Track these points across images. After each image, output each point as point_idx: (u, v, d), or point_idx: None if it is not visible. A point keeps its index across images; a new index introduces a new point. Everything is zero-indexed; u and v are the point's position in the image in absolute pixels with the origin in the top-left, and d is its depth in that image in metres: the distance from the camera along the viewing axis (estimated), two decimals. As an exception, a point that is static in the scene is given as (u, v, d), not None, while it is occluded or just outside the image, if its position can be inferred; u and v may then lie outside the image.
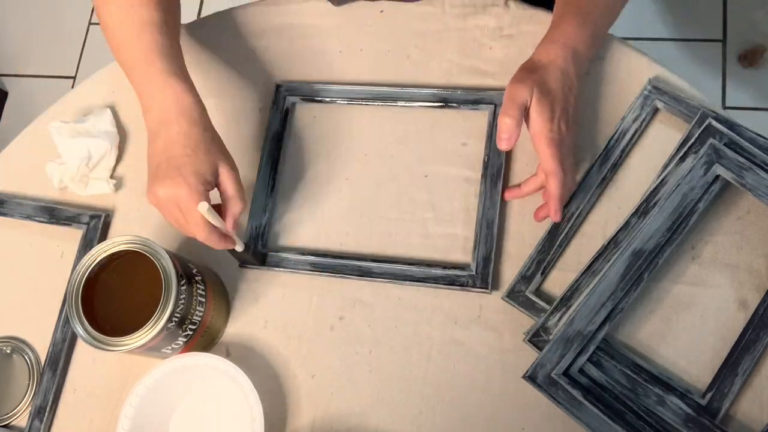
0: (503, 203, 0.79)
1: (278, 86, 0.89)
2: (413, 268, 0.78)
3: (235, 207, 0.73)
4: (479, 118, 0.83)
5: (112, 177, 0.90)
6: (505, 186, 0.80)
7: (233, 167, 0.73)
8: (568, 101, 0.72)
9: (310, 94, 0.88)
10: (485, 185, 0.80)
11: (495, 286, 0.77)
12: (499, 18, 0.87)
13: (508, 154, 0.81)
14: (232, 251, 0.77)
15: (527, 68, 0.72)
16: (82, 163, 0.87)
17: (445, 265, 0.78)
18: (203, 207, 0.68)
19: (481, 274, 0.76)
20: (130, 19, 0.76)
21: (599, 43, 0.80)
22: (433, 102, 0.84)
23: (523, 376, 0.70)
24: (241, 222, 0.84)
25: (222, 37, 0.94)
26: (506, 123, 0.69)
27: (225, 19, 0.95)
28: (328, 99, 0.88)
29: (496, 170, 0.80)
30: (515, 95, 0.69)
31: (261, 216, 0.84)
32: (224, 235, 0.73)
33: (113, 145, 0.89)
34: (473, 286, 0.76)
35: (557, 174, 0.71)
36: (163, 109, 0.72)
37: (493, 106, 0.82)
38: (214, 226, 0.71)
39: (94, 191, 0.89)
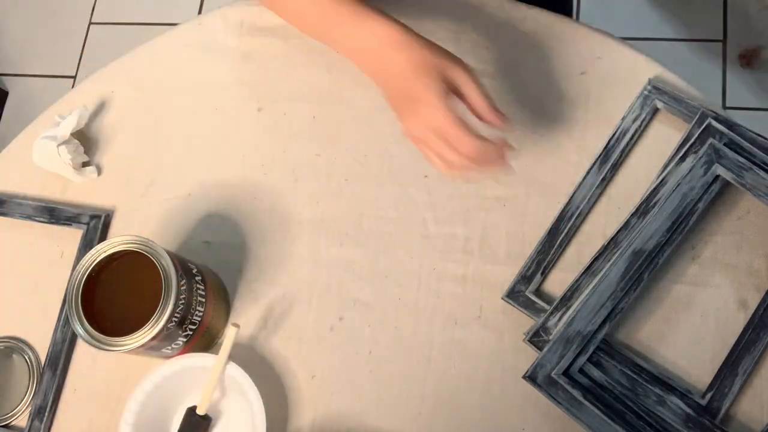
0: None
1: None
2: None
3: (475, 100, 0.67)
4: (479, 118, 0.83)
5: (87, 164, 0.90)
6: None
7: (458, 62, 0.67)
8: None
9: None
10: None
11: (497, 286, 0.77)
12: (495, 18, 0.87)
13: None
14: None
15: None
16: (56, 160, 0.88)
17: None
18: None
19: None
20: None
21: None
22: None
23: (524, 376, 0.70)
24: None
25: (220, 36, 0.94)
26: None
27: (223, 18, 0.95)
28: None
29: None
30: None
31: (261, 216, 0.84)
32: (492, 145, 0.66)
33: (75, 123, 0.89)
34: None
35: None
36: (382, 46, 0.68)
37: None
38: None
39: (83, 179, 0.89)
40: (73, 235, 0.87)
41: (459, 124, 0.64)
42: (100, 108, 0.94)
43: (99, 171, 0.90)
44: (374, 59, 0.69)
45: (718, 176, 0.72)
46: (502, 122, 0.67)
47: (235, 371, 0.74)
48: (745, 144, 0.72)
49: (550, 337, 0.71)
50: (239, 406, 0.75)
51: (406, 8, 0.90)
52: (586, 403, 0.68)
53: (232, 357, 0.74)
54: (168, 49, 0.95)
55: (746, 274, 0.73)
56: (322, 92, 0.89)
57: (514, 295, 0.75)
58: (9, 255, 0.90)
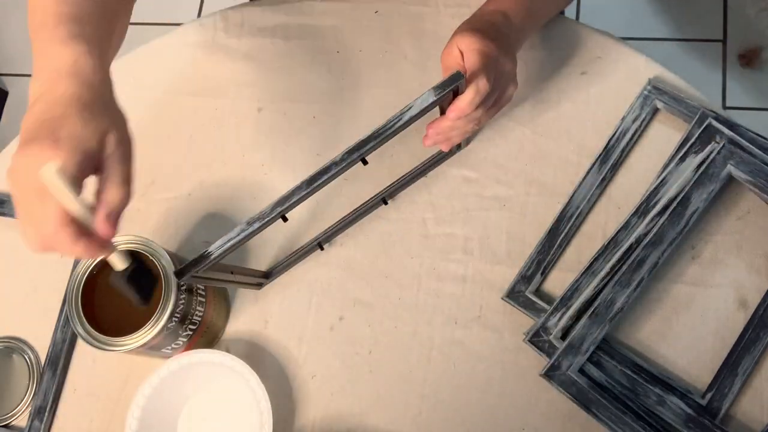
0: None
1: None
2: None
3: (111, 193, 0.53)
4: (479, 118, 0.83)
5: None
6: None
7: (126, 140, 0.56)
8: (499, 34, 0.68)
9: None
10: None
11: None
12: (499, 18, 0.87)
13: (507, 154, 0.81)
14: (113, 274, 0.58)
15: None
16: None
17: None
18: (49, 169, 0.46)
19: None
20: None
21: (536, 22, 0.78)
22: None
23: (541, 374, 0.70)
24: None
25: (221, 36, 0.94)
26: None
27: (224, 18, 0.95)
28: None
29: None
30: (446, 61, 0.68)
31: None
32: (93, 238, 0.52)
33: None
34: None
35: (478, 76, 0.63)
36: (53, 69, 0.56)
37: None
38: (78, 221, 0.50)
39: None
40: (73, 235, 0.87)
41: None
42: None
43: None
44: (46, 81, 0.57)
45: (720, 176, 0.72)
46: None
47: (242, 367, 0.74)
48: (746, 144, 0.72)
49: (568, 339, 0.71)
50: (247, 402, 0.75)
51: (407, 8, 0.90)
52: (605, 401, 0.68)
53: (232, 352, 0.74)
54: (168, 49, 0.95)
55: (746, 274, 0.73)
56: (322, 92, 0.89)
57: (514, 295, 0.75)
58: (9, 255, 0.90)
